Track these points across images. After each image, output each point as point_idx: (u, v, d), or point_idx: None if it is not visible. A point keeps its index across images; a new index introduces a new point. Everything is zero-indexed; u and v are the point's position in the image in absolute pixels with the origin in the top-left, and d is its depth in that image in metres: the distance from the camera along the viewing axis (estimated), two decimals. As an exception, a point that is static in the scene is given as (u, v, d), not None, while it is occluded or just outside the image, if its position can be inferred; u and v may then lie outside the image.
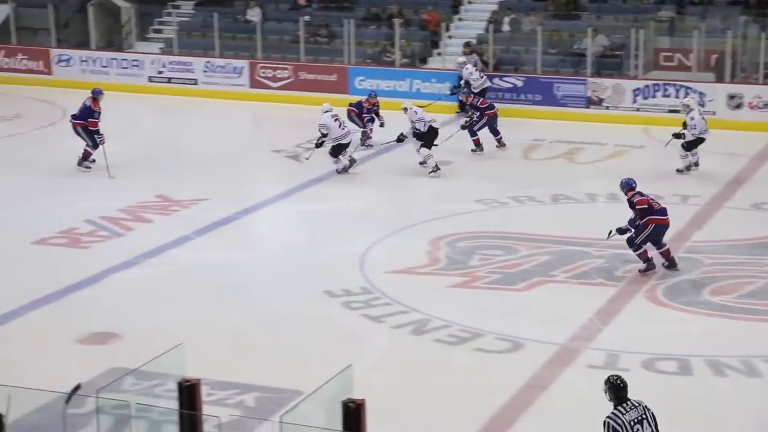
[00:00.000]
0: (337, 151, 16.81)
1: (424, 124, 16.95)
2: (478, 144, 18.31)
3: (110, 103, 20.76)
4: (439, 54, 23.26)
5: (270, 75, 23.00)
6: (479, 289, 12.16)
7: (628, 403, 7.06)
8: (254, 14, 24.99)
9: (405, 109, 17.35)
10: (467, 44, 22.10)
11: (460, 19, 24.69)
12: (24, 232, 13.75)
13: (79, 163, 16.73)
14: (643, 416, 7.05)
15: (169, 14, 25.92)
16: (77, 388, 6.93)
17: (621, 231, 12.53)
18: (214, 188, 16.05)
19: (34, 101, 22.79)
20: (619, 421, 6.95)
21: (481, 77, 20.90)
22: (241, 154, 17.92)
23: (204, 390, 7.09)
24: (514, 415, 9.13)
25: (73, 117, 16.80)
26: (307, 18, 24.22)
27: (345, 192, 16.39)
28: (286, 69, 23.07)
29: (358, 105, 18.85)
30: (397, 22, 23.01)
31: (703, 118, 16.80)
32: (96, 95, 16.69)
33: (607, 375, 7.18)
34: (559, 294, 12.03)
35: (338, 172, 16.89)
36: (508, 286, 12.18)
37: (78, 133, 16.70)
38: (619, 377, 7.17)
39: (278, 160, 17.95)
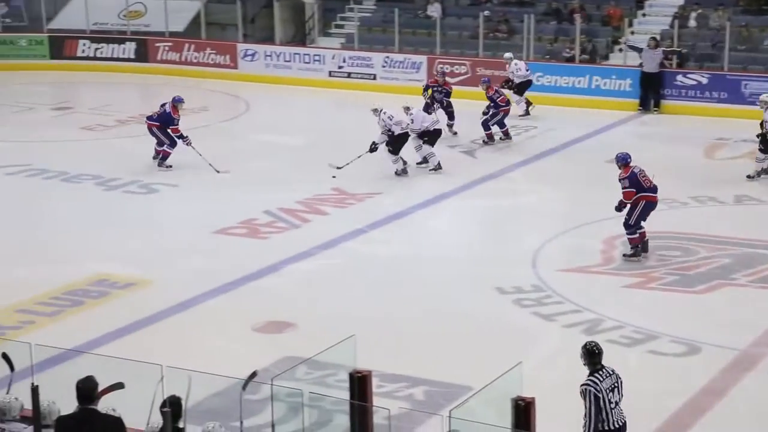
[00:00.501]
0: (398, 147, 16.34)
1: (401, 128, 16.29)
2: (491, 138, 18.38)
3: (291, 97, 21.34)
4: (620, 50, 22.79)
5: (448, 70, 23.02)
6: (655, 290, 11.87)
7: (604, 370, 7.26)
8: (434, 10, 25.10)
9: (375, 111, 16.38)
10: (653, 39, 21.59)
11: (644, 15, 24.15)
12: (206, 222, 14.22)
13: (160, 164, 16.91)
14: (616, 384, 7.26)
15: (351, 10, 26.31)
16: (253, 375, 7.11)
17: (618, 209, 12.75)
18: (388, 182, 16.20)
19: (219, 94, 23.54)
20: (599, 388, 7.16)
21: (527, 70, 20.90)
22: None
23: (374, 382, 7.18)
24: (689, 420, 8.88)
25: (149, 119, 16.99)
26: (486, 13, 24.17)
27: (519, 188, 16.30)
28: (464, 64, 23.08)
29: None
30: (578, 17, 22.67)
31: None
32: (176, 103, 16.86)
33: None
34: (739, 298, 11.62)
35: (397, 173, 16.40)
36: (686, 288, 11.84)
37: (153, 134, 16.90)
38: (595, 343, 7.33)
39: (453, 155, 17.97)
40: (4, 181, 16.28)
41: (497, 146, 18.31)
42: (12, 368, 7.26)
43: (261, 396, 7.53)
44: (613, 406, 7.22)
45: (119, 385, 6.92)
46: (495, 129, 18.52)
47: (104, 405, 6.75)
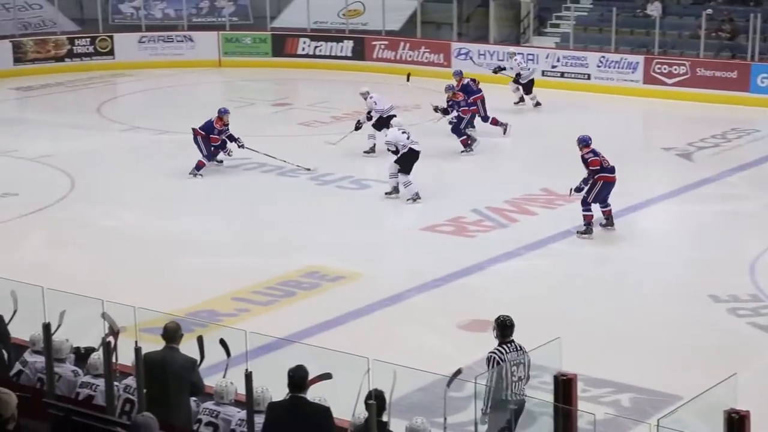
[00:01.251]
0: (408, 165, 15.29)
1: (386, 114, 17.22)
2: (467, 144, 17.84)
3: (504, 96, 21.28)
4: None
5: (666, 71, 22.44)
6: None
7: (512, 344, 7.68)
8: (654, 9, 24.47)
9: (364, 95, 17.67)
10: None
11: None
12: (415, 219, 14.36)
13: (192, 172, 16.72)
14: (521, 361, 7.56)
15: (567, 9, 26.00)
16: (458, 372, 7.14)
17: (578, 189, 13.48)
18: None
19: (431, 92, 23.72)
20: (503, 357, 7.57)
21: (529, 69, 21.08)
22: (630, 151, 17.60)
23: (579, 385, 7.07)
24: None
25: (197, 127, 16.85)
26: (709, 12, 23.38)
27: (739, 193, 15.70)
28: (683, 65, 22.41)
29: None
30: (808, 15, 21.66)
31: None
32: (221, 114, 16.78)
33: None
34: None
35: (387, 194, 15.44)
36: None
37: (196, 142, 16.80)
38: (508, 317, 7.77)
39: (668, 158, 17.48)
40: (225, 173, 16.94)
41: (715, 151, 17.65)
42: (228, 354, 7.56)
43: (465, 394, 7.55)
44: (515, 379, 7.53)
45: (327, 376, 7.09)
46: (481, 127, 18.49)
47: (313, 394, 6.93)
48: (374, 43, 26.66)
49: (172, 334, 7.52)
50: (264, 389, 7.08)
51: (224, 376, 7.51)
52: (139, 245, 13.47)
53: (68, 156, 17.85)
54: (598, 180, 13.39)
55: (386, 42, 26.52)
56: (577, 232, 13.45)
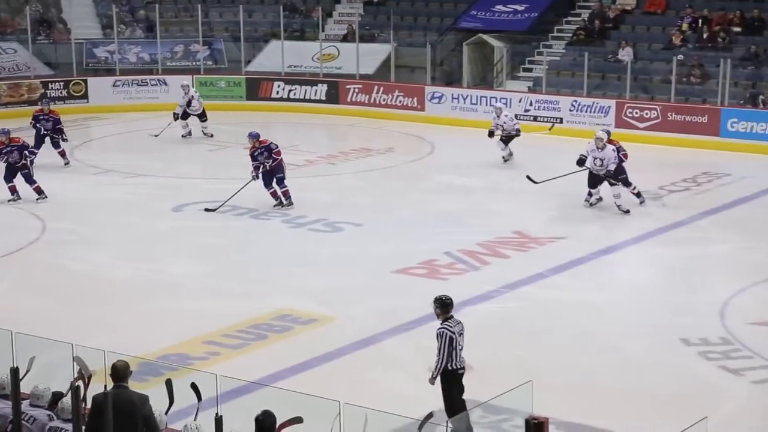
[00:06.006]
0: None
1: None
2: (276, 196, 17.18)
3: (476, 139, 21.40)
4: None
5: (637, 115, 22.68)
6: None
7: (453, 319, 9.08)
8: (625, 54, 24.76)
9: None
10: None
11: None
12: (388, 262, 14.37)
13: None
14: (462, 332, 9.05)
15: (540, 53, 26.27)
16: (430, 416, 7.12)
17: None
18: (571, 228, 16.03)
19: (405, 136, 23.88)
20: (453, 330, 8.97)
21: (515, 125, 20.52)
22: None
23: (551, 429, 7.06)
24: None
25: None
26: (680, 57, 23.67)
27: (708, 236, 15.82)
28: (654, 109, 22.66)
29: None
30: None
31: None
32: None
33: None
34: None
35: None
36: None
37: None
38: (447, 296, 9.11)
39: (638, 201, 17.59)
40: (194, 216, 16.91)
41: (686, 195, 17.82)
42: (199, 398, 7.52)
43: (436, 437, 7.53)
44: (460, 349, 8.99)
45: (298, 420, 7.05)
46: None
47: (282, 439, 6.89)
48: (348, 86, 26.82)
49: (122, 372, 7.47)
50: (233, 433, 7.04)
51: (195, 419, 7.46)
52: (110, 288, 13.40)
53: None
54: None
55: (360, 86, 26.69)
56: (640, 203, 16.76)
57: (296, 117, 26.29)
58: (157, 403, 7.70)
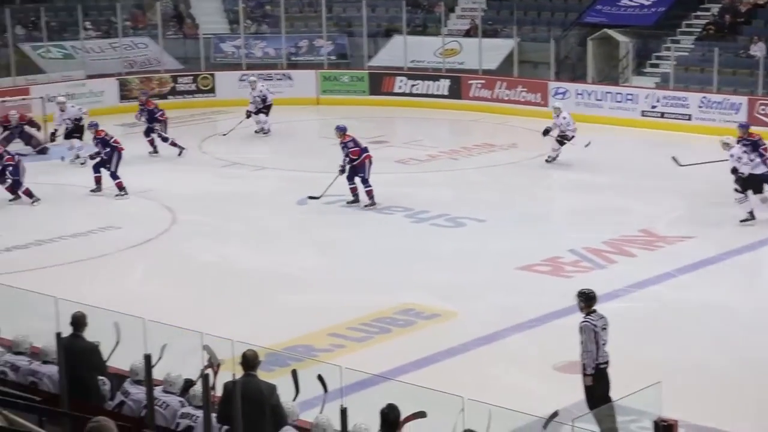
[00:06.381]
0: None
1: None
2: (354, 193, 17.09)
3: (601, 135, 21.10)
4: None
5: (763, 111, 22.03)
6: None
7: (596, 313, 8.96)
8: (758, 49, 24.05)
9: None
10: None
11: None
12: (511, 258, 14.27)
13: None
14: (605, 326, 8.94)
15: (668, 49, 25.72)
16: (555, 414, 7.05)
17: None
18: (700, 227, 15.65)
19: (529, 131, 23.66)
20: (596, 324, 8.87)
21: (572, 128, 19.82)
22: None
23: (680, 431, 6.93)
24: None
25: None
26: (815, 52, 22.90)
27: None
28: (787, 106, 21.97)
29: None
30: None
31: None
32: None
33: None
34: None
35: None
36: None
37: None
38: (590, 290, 9.08)
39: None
40: (318, 210, 17.09)
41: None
42: (325, 389, 7.60)
43: (561, 437, 7.45)
44: (603, 343, 8.89)
45: (422, 414, 7.06)
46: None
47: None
48: (470, 81, 26.71)
49: (252, 361, 7.61)
50: (362, 427, 7.07)
51: (321, 412, 7.54)
52: (237, 280, 13.63)
53: (169, 190, 18.21)
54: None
55: (483, 81, 26.55)
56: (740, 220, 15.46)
57: (418, 112, 26.30)
58: (284, 394, 7.80)
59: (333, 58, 28.88)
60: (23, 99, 23.33)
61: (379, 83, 27.73)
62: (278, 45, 28.79)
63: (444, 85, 27.12)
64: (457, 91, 26.86)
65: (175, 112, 25.37)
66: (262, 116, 23.33)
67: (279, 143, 23.02)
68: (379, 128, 25.16)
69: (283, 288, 13.35)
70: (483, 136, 23.48)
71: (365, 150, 16.95)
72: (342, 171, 16.99)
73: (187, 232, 16.02)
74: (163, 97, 26.69)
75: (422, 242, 15.35)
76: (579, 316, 9.17)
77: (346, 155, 17.01)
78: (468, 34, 28.68)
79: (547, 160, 20.05)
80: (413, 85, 27.46)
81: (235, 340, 7.63)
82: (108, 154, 17.98)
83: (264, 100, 23.26)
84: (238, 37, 28.95)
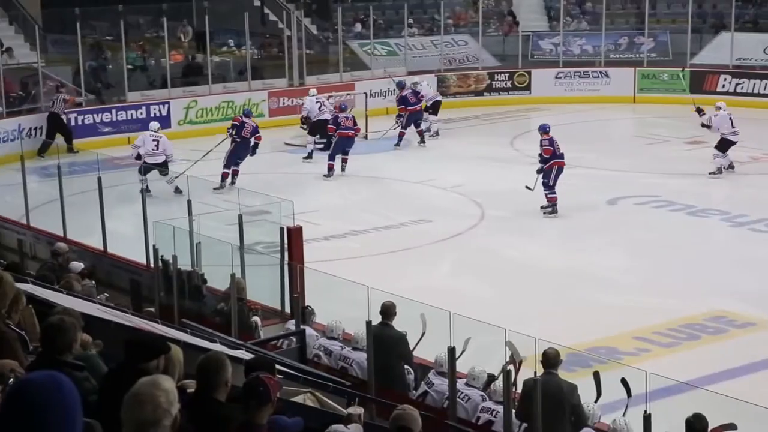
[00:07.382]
0: None
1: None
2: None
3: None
4: None
5: None
6: None
7: None
8: None
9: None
10: None
11: None
12: None
13: None
14: None
15: None
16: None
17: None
18: None
19: None
20: None
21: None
22: None
23: None
24: None
25: None
26: None
27: None
28: None
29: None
30: None
31: None
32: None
33: None
34: None
35: None
36: None
37: None
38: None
39: None
40: (628, 210, 16.74)
41: None
42: (629, 394, 7.47)
43: None
44: None
45: (732, 426, 6.79)
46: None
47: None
48: (803, 80, 25.24)
49: (553, 360, 7.66)
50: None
51: (624, 416, 7.43)
52: (542, 277, 13.61)
53: (480, 186, 18.44)
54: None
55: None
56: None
57: (742, 112, 25.08)
58: (584, 395, 7.75)
59: (653, 55, 28.15)
60: (347, 94, 24.33)
61: (701, 81, 26.70)
62: (597, 42, 28.43)
63: (771, 84, 25.79)
64: (789, 90, 25.47)
65: (489, 109, 25.77)
66: (432, 117, 22.79)
67: (590, 141, 22.74)
68: (698, 128, 24.36)
69: (588, 288, 13.20)
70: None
71: (559, 156, 16.39)
72: (539, 171, 16.59)
73: (493, 228, 16.17)
74: (479, 93, 27.09)
75: (737, 247, 14.71)
76: None
77: (539, 153, 16.73)
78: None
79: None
80: (738, 84, 26.28)
81: (537, 338, 7.65)
82: None
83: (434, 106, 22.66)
84: (557, 34, 28.86)
